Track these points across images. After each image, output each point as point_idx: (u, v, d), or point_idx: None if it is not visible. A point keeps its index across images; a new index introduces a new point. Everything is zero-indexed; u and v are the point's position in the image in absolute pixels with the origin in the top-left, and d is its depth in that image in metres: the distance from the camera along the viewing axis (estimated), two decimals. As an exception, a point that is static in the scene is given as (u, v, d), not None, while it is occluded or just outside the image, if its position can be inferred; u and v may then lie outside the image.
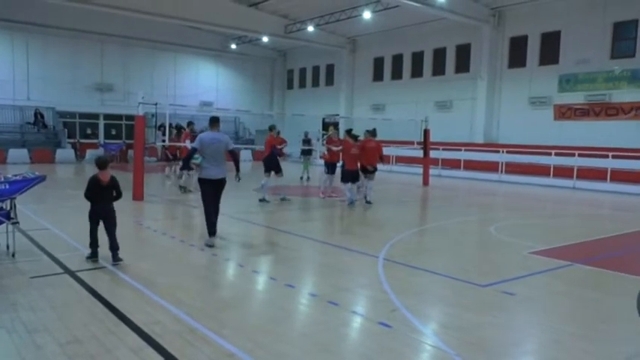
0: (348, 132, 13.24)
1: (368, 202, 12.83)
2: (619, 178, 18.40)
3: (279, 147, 14.10)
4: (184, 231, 9.21)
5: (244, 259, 7.02)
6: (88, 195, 6.34)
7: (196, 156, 8.57)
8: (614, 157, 18.64)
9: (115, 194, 6.47)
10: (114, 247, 6.48)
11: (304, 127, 26.79)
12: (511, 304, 5.37)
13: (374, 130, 13.46)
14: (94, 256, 6.46)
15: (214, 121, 8.04)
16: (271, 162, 12.87)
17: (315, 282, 6.16)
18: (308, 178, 18.83)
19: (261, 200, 12.74)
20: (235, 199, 13.92)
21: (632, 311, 4.72)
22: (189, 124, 15.34)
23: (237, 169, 8.18)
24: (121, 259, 6.43)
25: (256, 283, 6.01)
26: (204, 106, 31.82)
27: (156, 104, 12.74)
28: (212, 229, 7.77)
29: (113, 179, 6.42)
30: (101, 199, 6.36)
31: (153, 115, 17.28)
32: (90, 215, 6.40)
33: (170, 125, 15.20)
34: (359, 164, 12.92)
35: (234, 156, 7.98)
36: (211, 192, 7.75)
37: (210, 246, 7.58)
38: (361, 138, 13.07)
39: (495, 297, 5.54)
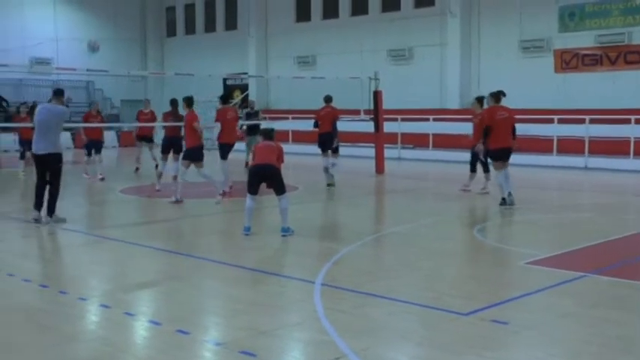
0: (224, 98, 14.60)
1: (509, 204, 12.15)
2: (646, 151, 19.45)
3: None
4: (20, 261, 8.90)
5: (110, 297, 6.92)
6: None
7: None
8: (637, 121, 19.69)
9: None
10: None
11: (195, 92, 26.46)
12: (503, 336, 5.61)
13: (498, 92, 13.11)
14: None
15: (57, 94, 10.62)
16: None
17: (221, 324, 6.16)
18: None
19: None
20: (94, 206, 13.55)
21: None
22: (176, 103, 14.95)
23: None
24: None
25: (131, 330, 5.94)
26: (37, 65, 30.59)
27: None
28: (37, 205, 10.56)
29: None
30: None
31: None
32: None
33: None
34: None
35: None
36: (39, 169, 10.46)
37: (37, 220, 10.50)
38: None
39: (482, 328, 5.76)
